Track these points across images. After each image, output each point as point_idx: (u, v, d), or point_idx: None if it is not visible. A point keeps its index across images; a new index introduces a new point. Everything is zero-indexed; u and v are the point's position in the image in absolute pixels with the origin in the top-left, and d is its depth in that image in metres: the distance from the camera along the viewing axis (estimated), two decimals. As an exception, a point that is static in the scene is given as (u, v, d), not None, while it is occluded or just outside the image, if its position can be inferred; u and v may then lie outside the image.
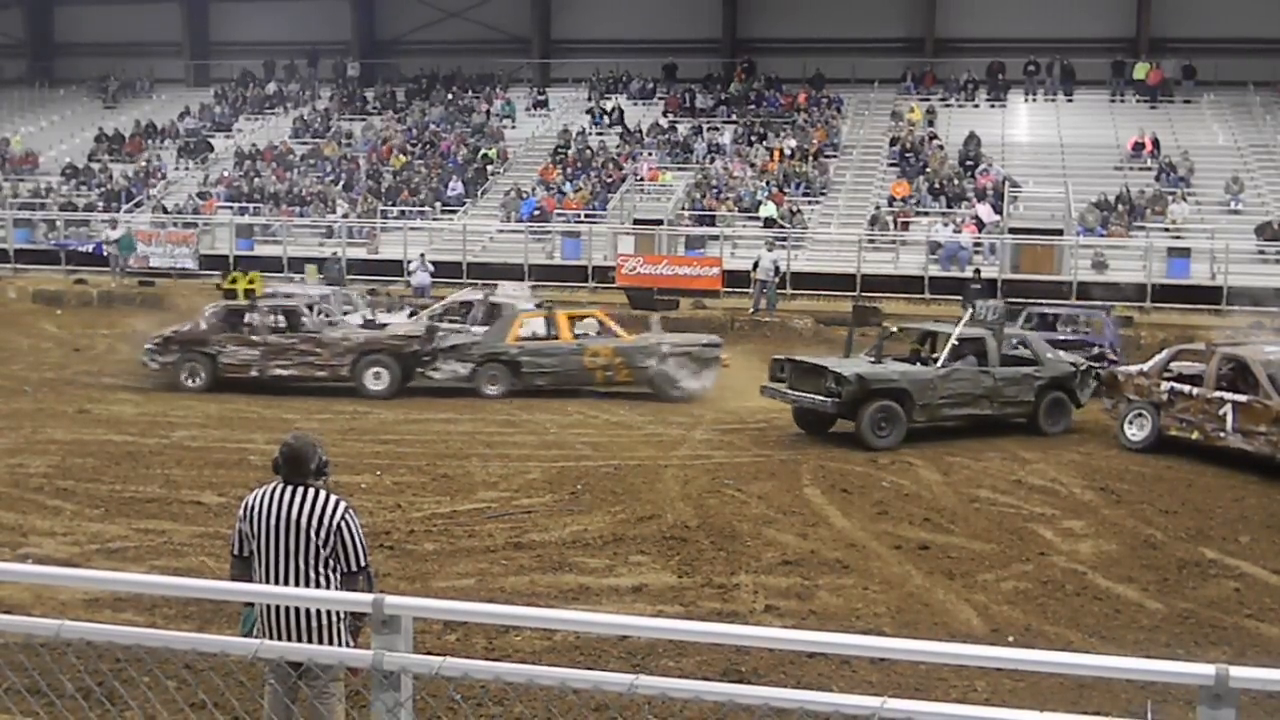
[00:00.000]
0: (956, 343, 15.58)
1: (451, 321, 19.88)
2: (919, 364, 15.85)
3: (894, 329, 17.40)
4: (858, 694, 5.67)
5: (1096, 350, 19.14)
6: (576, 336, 18.74)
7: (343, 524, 5.43)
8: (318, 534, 5.40)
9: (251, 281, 20.75)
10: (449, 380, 18.37)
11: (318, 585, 5.41)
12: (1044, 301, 22.50)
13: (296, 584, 5.40)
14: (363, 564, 5.50)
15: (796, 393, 15.33)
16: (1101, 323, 20.69)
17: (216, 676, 5.13)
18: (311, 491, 5.47)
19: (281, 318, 18.86)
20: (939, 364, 15.47)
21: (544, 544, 10.51)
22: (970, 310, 16.52)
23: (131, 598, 8.52)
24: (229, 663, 5.31)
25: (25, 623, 4.66)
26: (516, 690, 4.61)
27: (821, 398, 14.91)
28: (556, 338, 18.60)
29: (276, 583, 5.41)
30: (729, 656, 7.79)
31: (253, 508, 5.48)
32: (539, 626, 7.56)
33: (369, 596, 4.10)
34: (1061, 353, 16.96)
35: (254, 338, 18.45)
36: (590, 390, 18.40)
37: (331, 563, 5.44)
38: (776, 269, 27.05)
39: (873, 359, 15.78)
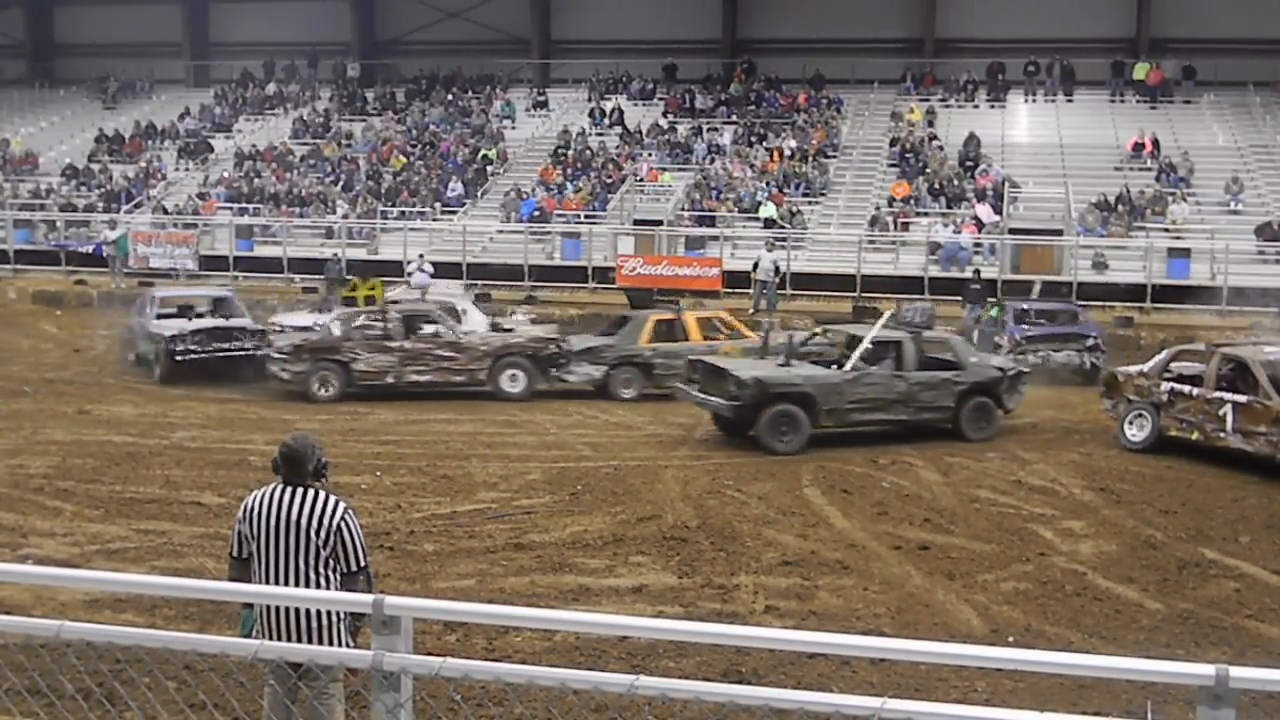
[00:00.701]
0: (870, 346, 15.27)
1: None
2: (833, 368, 15.45)
3: (819, 330, 17.26)
4: (858, 694, 5.67)
5: (1090, 341, 20.58)
6: (706, 338, 18.84)
7: (342, 524, 5.43)
8: (317, 534, 5.40)
9: (372, 288, 20.45)
10: (582, 382, 18.35)
11: (317, 586, 5.41)
12: (1024, 298, 23.22)
13: (296, 584, 5.40)
14: (362, 564, 5.50)
15: (703, 395, 15.13)
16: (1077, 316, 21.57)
17: (216, 677, 5.13)
18: (311, 492, 5.47)
19: (418, 324, 18.77)
20: (847, 368, 15.15)
21: (544, 544, 10.51)
22: (891, 312, 16.52)
23: (131, 598, 8.52)
24: (229, 663, 5.30)
25: (25, 623, 4.67)
26: (516, 691, 4.61)
27: (723, 400, 14.75)
28: (687, 339, 18.66)
29: (276, 583, 5.41)
30: (729, 657, 7.79)
31: (252, 509, 5.48)
32: (539, 627, 7.56)
33: (369, 597, 4.10)
34: (997, 358, 16.61)
35: (389, 344, 18.20)
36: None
37: (331, 563, 5.44)
38: (776, 269, 27.05)
39: (782, 361, 15.47)
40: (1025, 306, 21.91)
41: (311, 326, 19.87)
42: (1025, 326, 21.00)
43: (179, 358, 18.60)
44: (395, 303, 20.97)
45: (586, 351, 18.37)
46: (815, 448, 14.79)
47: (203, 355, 18.80)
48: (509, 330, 19.42)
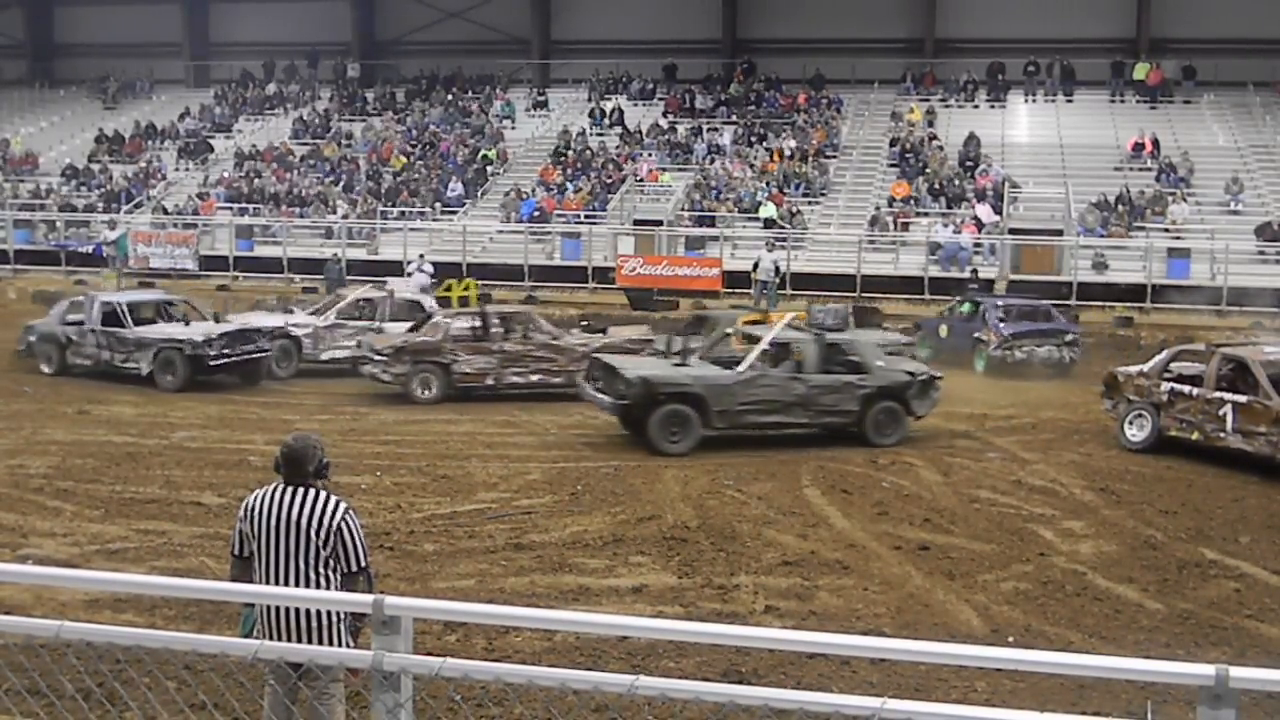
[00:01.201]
0: (769, 348, 15.10)
1: (358, 319, 20.61)
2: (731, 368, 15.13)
3: (729, 331, 17.24)
4: (858, 694, 5.66)
5: (1070, 337, 21.41)
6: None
7: (343, 524, 5.43)
8: (318, 534, 5.40)
9: (467, 289, 20.34)
10: None
11: (318, 585, 5.41)
12: (1003, 295, 23.77)
13: (297, 584, 5.40)
14: (363, 564, 5.50)
15: (600, 394, 15.04)
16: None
17: (216, 677, 5.13)
18: (312, 492, 5.47)
19: (514, 326, 18.74)
20: (741, 368, 14.85)
21: (544, 545, 10.51)
22: (795, 315, 16.50)
23: (131, 599, 8.52)
24: (229, 663, 5.31)
25: (25, 623, 4.67)
26: (516, 691, 4.61)
27: (612, 399, 14.69)
28: None
29: (277, 583, 5.41)
30: (729, 657, 7.79)
31: (253, 508, 5.48)
32: (539, 627, 7.56)
33: (369, 597, 4.10)
34: (913, 363, 16.33)
35: (490, 346, 18.17)
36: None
37: (332, 563, 5.44)
38: (777, 269, 27.08)
39: (678, 361, 15.36)
40: (1002, 303, 22.28)
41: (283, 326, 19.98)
42: (1003, 324, 21.36)
43: (213, 362, 18.56)
44: (369, 300, 21.07)
45: (675, 354, 18.38)
46: (815, 448, 14.79)
47: (232, 359, 18.80)
48: (601, 331, 19.51)
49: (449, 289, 20.61)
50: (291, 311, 21.85)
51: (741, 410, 14.71)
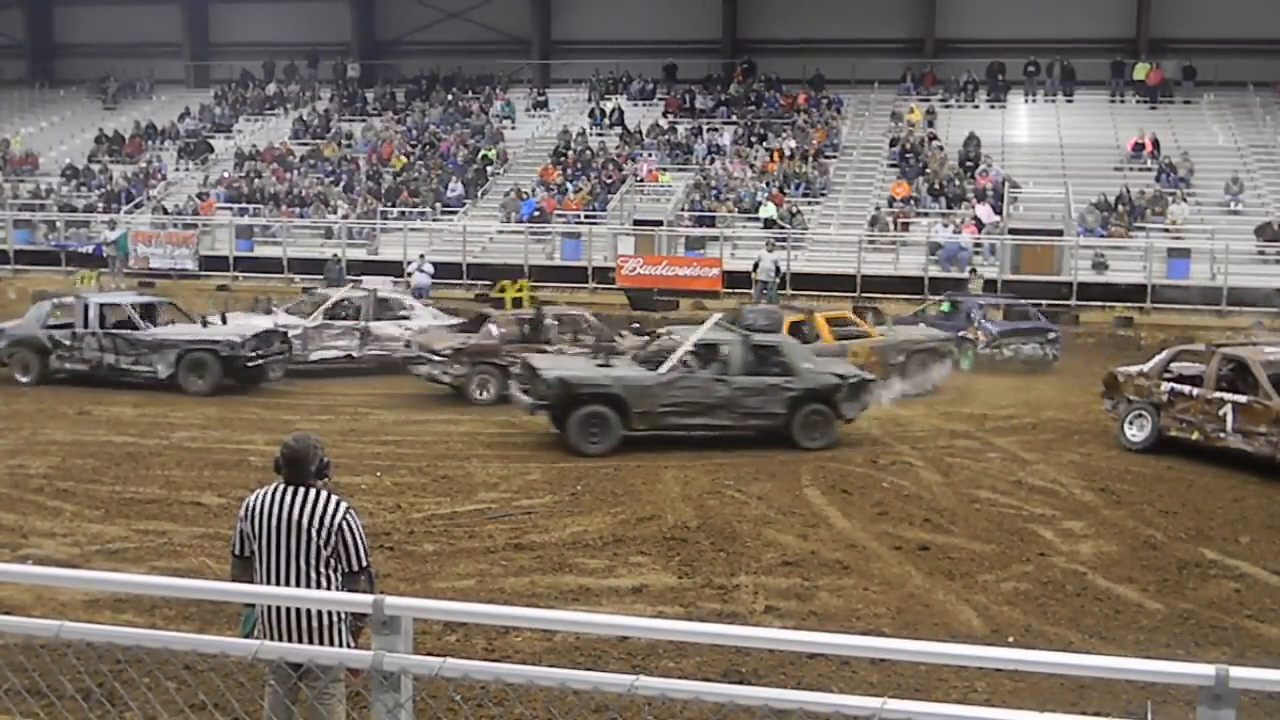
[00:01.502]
0: (693, 349, 14.97)
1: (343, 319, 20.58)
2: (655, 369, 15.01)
3: (662, 332, 17.18)
4: (858, 695, 5.67)
5: (1052, 335, 22.13)
6: (838, 338, 19.01)
7: (344, 524, 5.44)
8: (319, 534, 5.40)
9: (520, 289, 20.11)
10: None
11: (319, 585, 5.41)
12: (982, 295, 24.28)
13: (298, 584, 5.40)
14: (364, 564, 5.51)
15: (524, 395, 15.01)
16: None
17: (216, 677, 5.12)
18: (313, 492, 5.48)
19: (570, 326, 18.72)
20: (663, 370, 14.76)
21: (544, 545, 10.51)
22: (720, 316, 16.47)
23: (131, 599, 8.52)
24: (229, 664, 5.31)
25: (25, 624, 4.67)
26: (516, 691, 4.61)
27: (533, 400, 14.66)
28: (819, 339, 18.79)
29: (278, 583, 5.41)
30: (729, 657, 7.79)
31: (254, 508, 5.49)
32: (539, 627, 7.56)
33: (370, 598, 4.10)
34: (844, 365, 16.21)
35: (548, 349, 18.01)
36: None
37: (333, 563, 5.44)
38: (777, 269, 27.07)
39: (601, 361, 15.31)
40: (984, 303, 22.83)
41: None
42: (988, 323, 21.86)
43: (250, 364, 18.54)
44: (344, 301, 20.99)
45: (605, 354, 18.40)
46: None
47: (264, 359, 18.79)
48: (651, 334, 19.47)
49: (502, 290, 20.42)
50: (271, 312, 21.71)
51: (663, 412, 14.61)
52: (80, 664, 5.05)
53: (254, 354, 18.52)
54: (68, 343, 18.63)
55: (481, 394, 17.79)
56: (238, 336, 18.48)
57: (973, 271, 27.08)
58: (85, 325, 18.67)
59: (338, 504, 5.48)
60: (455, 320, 21.45)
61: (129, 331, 18.61)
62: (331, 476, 5.66)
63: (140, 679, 5.14)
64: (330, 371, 20.03)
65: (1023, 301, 23.63)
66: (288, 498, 5.45)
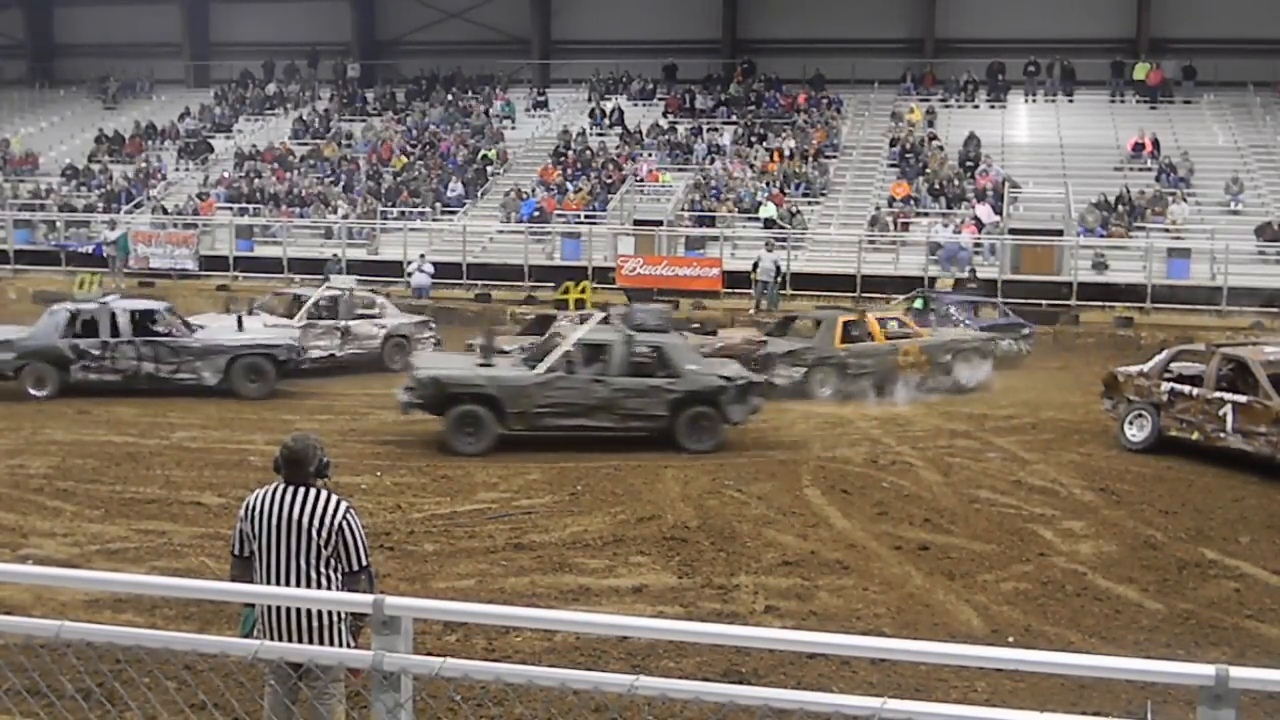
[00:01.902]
0: (573, 349, 14.75)
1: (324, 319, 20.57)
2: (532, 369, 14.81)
3: (558, 330, 17.17)
4: (858, 694, 5.67)
5: (1026, 331, 22.84)
6: (889, 337, 19.32)
7: (344, 524, 5.44)
8: (319, 534, 5.40)
9: (583, 291, 19.94)
10: (786, 384, 18.28)
11: (319, 585, 5.42)
12: (951, 292, 24.68)
13: (298, 584, 5.40)
14: (364, 563, 5.51)
15: (404, 393, 14.81)
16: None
17: (216, 677, 5.13)
18: (313, 492, 5.48)
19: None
20: (539, 370, 14.56)
21: (544, 545, 10.51)
22: (605, 314, 16.44)
23: (132, 598, 8.52)
24: (229, 663, 5.31)
25: (25, 623, 4.67)
26: (516, 691, 4.61)
27: (409, 399, 14.54)
28: (872, 339, 19.10)
29: (278, 583, 5.41)
30: (729, 657, 7.79)
31: (254, 508, 5.49)
32: (539, 627, 7.56)
33: (370, 597, 4.10)
34: (734, 366, 15.87)
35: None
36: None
37: (333, 562, 5.45)
38: (777, 269, 27.08)
39: (481, 360, 15.11)
40: (959, 300, 23.38)
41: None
42: (966, 319, 22.29)
43: (305, 365, 18.75)
44: (322, 301, 20.91)
45: (789, 354, 18.61)
46: (816, 448, 14.78)
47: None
48: (711, 334, 19.59)
49: (566, 291, 20.40)
50: (254, 314, 21.62)
51: (540, 412, 14.43)
52: (80, 664, 5.04)
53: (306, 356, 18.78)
54: (96, 352, 17.61)
55: None
56: (293, 339, 18.56)
57: (972, 273, 27.11)
58: (116, 333, 17.71)
59: (338, 503, 5.48)
60: (420, 319, 21.90)
61: (169, 338, 17.94)
62: (331, 476, 5.66)
63: (140, 679, 5.14)
64: (322, 371, 20.02)
65: (995, 299, 24.20)
66: (288, 497, 5.45)
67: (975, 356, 19.89)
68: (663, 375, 14.76)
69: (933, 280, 26.98)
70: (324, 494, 5.48)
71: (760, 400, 15.36)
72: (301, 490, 5.46)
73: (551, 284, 29.34)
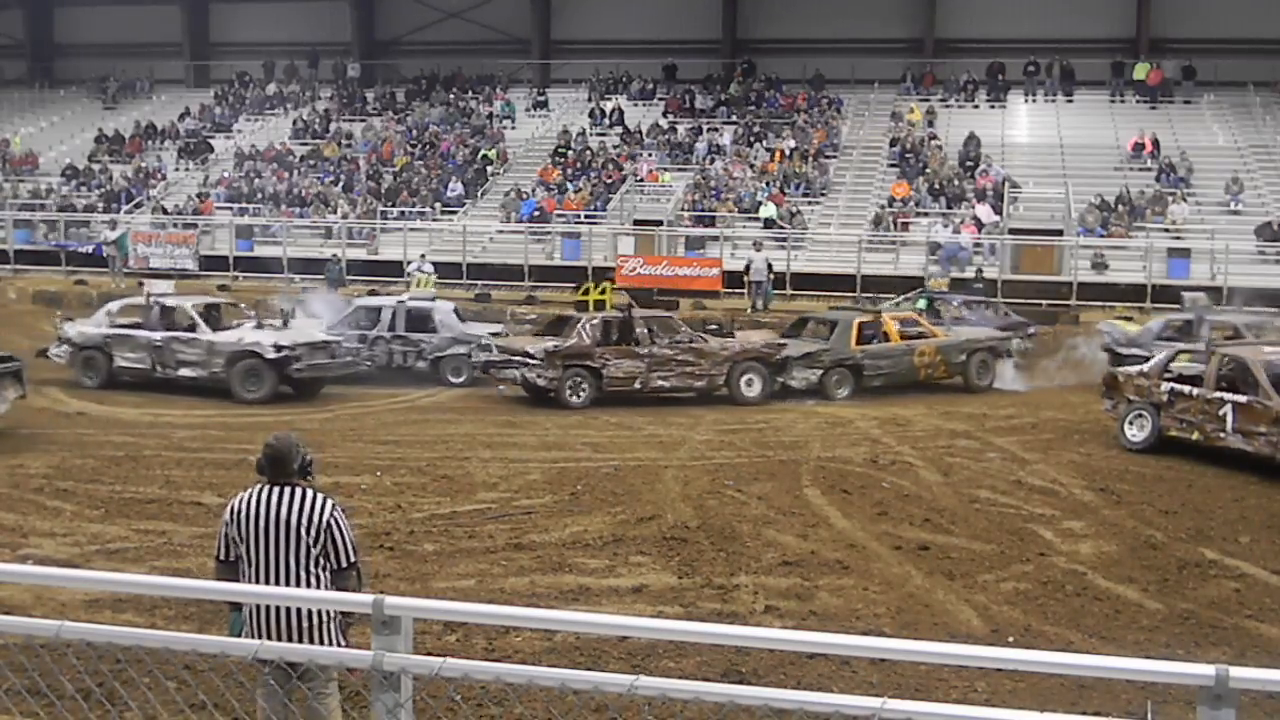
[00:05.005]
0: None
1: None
2: None
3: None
4: (858, 694, 5.67)
5: (1030, 330, 23.14)
6: (904, 338, 19.38)
7: (331, 521, 5.44)
8: (308, 532, 5.40)
9: (604, 291, 19.90)
10: (803, 385, 18.57)
11: (308, 584, 5.41)
12: (954, 293, 24.87)
13: (287, 583, 5.40)
14: (352, 560, 5.50)
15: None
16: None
17: (216, 677, 5.12)
18: (298, 491, 5.47)
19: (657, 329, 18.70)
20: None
21: (544, 545, 10.51)
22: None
23: (131, 598, 8.52)
24: (229, 663, 5.30)
25: (25, 623, 4.66)
26: (516, 691, 4.60)
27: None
28: (888, 340, 19.16)
29: (267, 583, 5.41)
30: (729, 657, 7.78)
31: (239, 511, 5.49)
32: (539, 627, 7.56)
33: (369, 597, 4.10)
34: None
35: (639, 350, 18.15)
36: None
37: (321, 560, 5.44)
38: (769, 269, 27.04)
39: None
40: (962, 300, 23.68)
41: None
42: (979, 319, 22.58)
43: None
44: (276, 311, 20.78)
45: (805, 356, 18.73)
46: (816, 447, 14.77)
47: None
48: (730, 335, 19.71)
49: (587, 292, 20.39)
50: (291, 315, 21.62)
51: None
52: (80, 664, 5.04)
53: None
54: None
55: (574, 397, 17.77)
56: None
57: (978, 273, 27.11)
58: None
59: (324, 501, 5.48)
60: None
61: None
62: (314, 475, 5.66)
63: (140, 679, 5.14)
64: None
65: (996, 299, 24.37)
66: (273, 497, 5.45)
67: (991, 356, 20.00)
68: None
69: (992, 282, 26.76)
70: (309, 492, 5.48)
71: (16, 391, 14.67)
72: (286, 490, 5.46)
73: (553, 284, 29.40)
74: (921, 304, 23.05)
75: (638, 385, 18.12)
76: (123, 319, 19.11)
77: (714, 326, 20.81)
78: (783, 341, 19.07)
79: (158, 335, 18.52)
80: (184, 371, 18.38)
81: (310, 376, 18.39)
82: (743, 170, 33.05)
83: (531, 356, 17.78)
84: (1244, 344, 16.15)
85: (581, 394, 17.85)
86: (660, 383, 18.23)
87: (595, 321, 18.50)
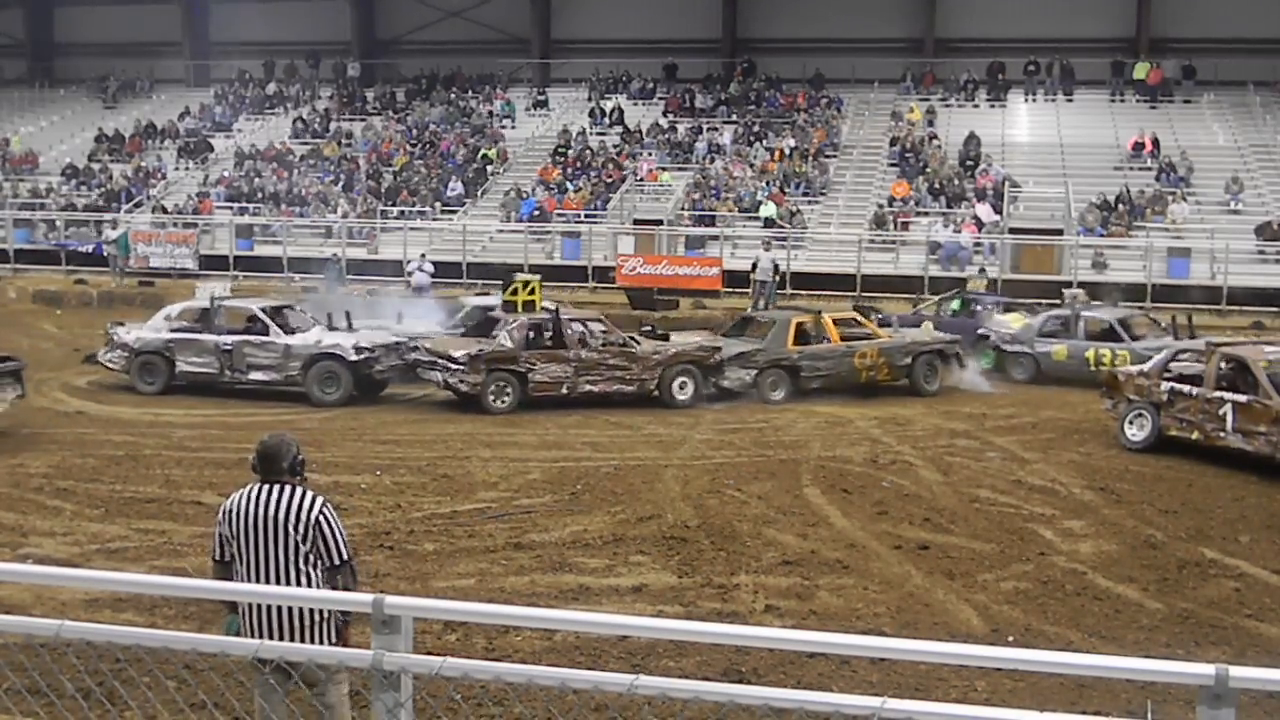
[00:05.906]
0: None
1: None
2: None
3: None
4: (858, 694, 5.68)
5: None
6: (844, 339, 18.96)
7: (321, 519, 5.44)
8: (297, 530, 5.40)
9: (532, 291, 19.59)
10: (736, 386, 18.15)
11: (300, 583, 5.42)
12: (982, 292, 24.91)
13: (279, 582, 5.41)
14: (345, 558, 5.50)
15: None
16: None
17: (216, 676, 5.13)
18: (288, 489, 5.49)
19: (589, 331, 18.20)
20: None
21: (544, 544, 10.51)
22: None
23: (131, 598, 8.53)
24: (229, 663, 5.31)
25: (25, 623, 4.66)
26: (516, 690, 4.61)
27: None
28: (827, 341, 18.77)
29: (258, 581, 5.42)
30: (729, 656, 7.79)
31: (231, 510, 5.51)
32: (539, 627, 7.56)
33: (369, 596, 4.10)
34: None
35: (566, 354, 17.56)
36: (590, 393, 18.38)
37: (312, 559, 5.44)
38: (776, 268, 27.05)
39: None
40: (994, 301, 23.63)
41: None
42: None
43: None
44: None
45: (739, 357, 18.31)
46: (816, 447, 14.77)
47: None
48: (664, 338, 19.06)
49: (514, 292, 19.83)
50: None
51: None
52: (80, 663, 5.04)
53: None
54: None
55: (498, 402, 17.23)
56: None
57: (981, 271, 27.11)
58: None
59: (313, 499, 5.49)
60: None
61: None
62: (305, 474, 5.67)
63: (140, 678, 5.14)
64: None
65: (1017, 300, 24.11)
66: (264, 496, 5.46)
67: (937, 359, 19.39)
68: None
69: (963, 281, 26.57)
70: (299, 490, 5.49)
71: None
72: (276, 488, 5.48)
73: (553, 284, 29.33)
74: (955, 305, 22.91)
75: (565, 390, 17.48)
76: (182, 322, 18.70)
77: (648, 328, 20.27)
78: (718, 344, 18.55)
79: (227, 339, 18.02)
80: (255, 375, 17.91)
81: (388, 378, 18.16)
82: (743, 170, 33.05)
83: (454, 360, 17.17)
84: (1244, 343, 16.13)
85: (505, 399, 17.25)
86: (589, 387, 17.60)
87: (521, 324, 17.79)
